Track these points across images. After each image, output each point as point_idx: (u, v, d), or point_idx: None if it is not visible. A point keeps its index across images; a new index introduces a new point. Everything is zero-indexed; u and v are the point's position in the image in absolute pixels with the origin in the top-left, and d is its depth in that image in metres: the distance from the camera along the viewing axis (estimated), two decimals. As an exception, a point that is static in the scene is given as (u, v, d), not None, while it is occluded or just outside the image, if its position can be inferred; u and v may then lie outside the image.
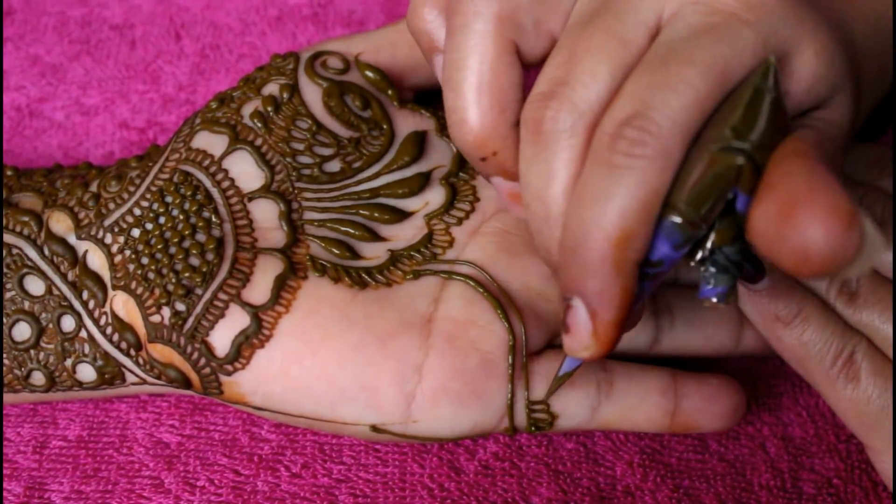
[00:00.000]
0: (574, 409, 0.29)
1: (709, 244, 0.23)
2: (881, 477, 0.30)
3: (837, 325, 0.30)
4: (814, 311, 0.30)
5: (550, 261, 0.25)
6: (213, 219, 0.29)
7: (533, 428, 0.29)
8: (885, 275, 0.31)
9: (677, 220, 0.22)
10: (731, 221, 0.23)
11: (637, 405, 0.30)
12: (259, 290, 0.29)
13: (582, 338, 0.24)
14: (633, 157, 0.22)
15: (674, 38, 0.22)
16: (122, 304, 0.29)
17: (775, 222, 0.20)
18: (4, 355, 0.29)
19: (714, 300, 0.24)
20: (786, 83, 0.23)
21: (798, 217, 0.20)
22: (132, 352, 0.29)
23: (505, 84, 0.25)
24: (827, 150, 0.23)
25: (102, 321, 0.29)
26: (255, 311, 0.28)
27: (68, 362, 0.29)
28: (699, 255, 0.23)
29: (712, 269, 0.23)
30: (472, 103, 0.25)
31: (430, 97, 0.35)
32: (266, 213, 0.30)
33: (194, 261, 0.29)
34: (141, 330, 0.29)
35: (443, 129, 0.33)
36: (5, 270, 0.29)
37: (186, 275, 0.28)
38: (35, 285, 0.29)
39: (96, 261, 0.29)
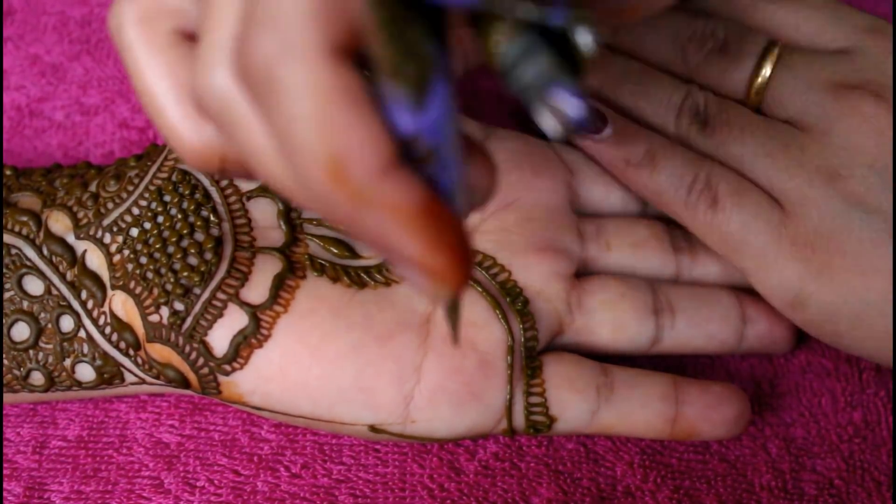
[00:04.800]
0: (573, 412, 0.29)
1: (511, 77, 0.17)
2: (763, 295, 0.31)
3: (686, 155, 0.31)
4: (660, 147, 0.31)
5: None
6: (212, 218, 0.29)
7: (531, 430, 0.29)
8: None
9: (390, 84, 0.16)
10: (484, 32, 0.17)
11: (637, 411, 0.29)
12: (257, 289, 0.28)
13: (427, 287, 0.19)
14: (279, 63, 0.17)
15: None
16: (121, 304, 0.29)
17: None
18: (3, 355, 0.29)
19: (574, 119, 0.16)
20: None
21: None
22: (131, 351, 0.29)
23: (185, 87, 0.21)
24: None
25: (101, 321, 0.29)
26: (254, 311, 0.28)
27: (67, 362, 0.29)
28: (513, 86, 0.17)
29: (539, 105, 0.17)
30: (169, 126, 0.21)
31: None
32: (264, 212, 0.30)
33: (193, 260, 0.29)
34: (140, 330, 0.29)
35: None
36: (4, 270, 0.29)
37: (185, 274, 0.28)
38: (34, 285, 0.29)
39: (95, 260, 0.29)
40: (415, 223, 0.17)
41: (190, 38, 0.21)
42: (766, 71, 0.31)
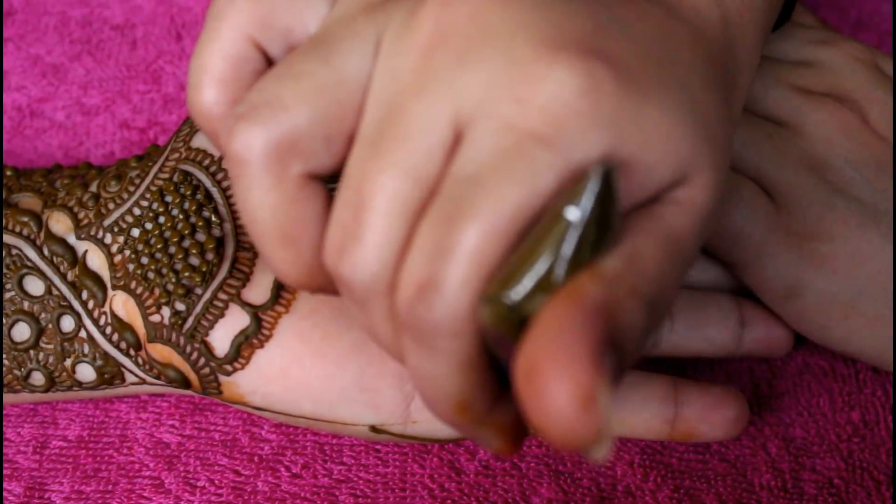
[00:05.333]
0: None
1: None
2: (755, 289, 0.31)
3: None
4: None
5: None
6: (213, 218, 0.29)
7: (532, 431, 0.29)
8: None
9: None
10: None
11: (636, 412, 0.29)
12: (259, 289, 0.28)
13: (490, 450, 0.24)
14: (437, 337, 0.19)
15: (464, 172, 0.19)
16: (122, 304, 0.29)
17: (519, 383, 0.18)
18: (4, 356, 0.29)
19: None
20: (623, 182, 0.19)
21: (534, 384, 0.17)
22: (132, 352, 0.29)
23: (307, 225, 0.22)
24: (652, 262, 0.20)
25: (102, 321, 0.29)
26: (255, 311, 0.28)
27: (68, 362, 0.29)
28: None
29: None
30: (279, 258, 0.22)
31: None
32: (266, 213, 0.30)
33: (194, 260, 0.29)
34: (140, 330, 0.29)
35: None
36: (5, 271, 0.29)
37: (186, 274, 0.28)
38: (34, 285, 0.29)
39: (96, 261, 0.29)
40: (505, 436, 0.22)
41: (314, 178, 0.22)
42: None
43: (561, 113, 0.19)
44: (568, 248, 0.18)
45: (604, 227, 0.19)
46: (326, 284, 0.22)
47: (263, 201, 0.21)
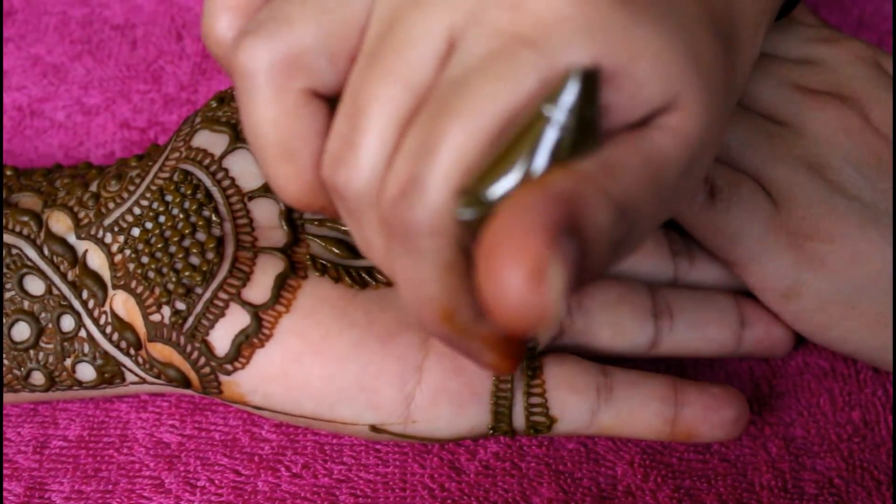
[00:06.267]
0: (573, 413, 0.29)
1: None
2: (754, 288, 0.31)
3: None
4: None
5: None
6: (214, 218, 0.29)
7: (532, 431, 0.29)
8: None
9: None
10: None
11: (636, 412, 0.29)
12: (259, 289, 0.28)
13: (486, 370, 0.24)
14: (419, 236, 0.20)
15: (453, 75, 0.20)
16: (122, 304, 0.29)
17: (479, 266, 0.18)
18: (4, 355, 0.29)
19: None
20: (605, 95, 0.20)
21: (489, 261, 0.18)
22: (132, 351, 0.29)
23: (308, 140, 0.22)
24: (630, 173, 0.20)
25: (102, 320, 0.29)
26: (256, 311, 0.28)
27: (68, 362, 0.29)
28: None
29: None
30: (280, 173, 0.23)
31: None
32: (266, 212, 0.30)
33: (194, 260, 0.29)
34: (141, 329, 0.29)
35: None
36: (5, 270, 0.29)
37: (186, 274, 0.28)
38: (35, 285, 0.29)
39: (96, 260, 0.29)
40: (496, 347, 0.22)
41: (317, 96, 0.22)
42: None
43: (550, 18, 0.19)
44: (545, 145, 0.19)
45: (583, 132, 0.19)
46: (326, 203, 0.23)
47: (266, 114, 0.22)
